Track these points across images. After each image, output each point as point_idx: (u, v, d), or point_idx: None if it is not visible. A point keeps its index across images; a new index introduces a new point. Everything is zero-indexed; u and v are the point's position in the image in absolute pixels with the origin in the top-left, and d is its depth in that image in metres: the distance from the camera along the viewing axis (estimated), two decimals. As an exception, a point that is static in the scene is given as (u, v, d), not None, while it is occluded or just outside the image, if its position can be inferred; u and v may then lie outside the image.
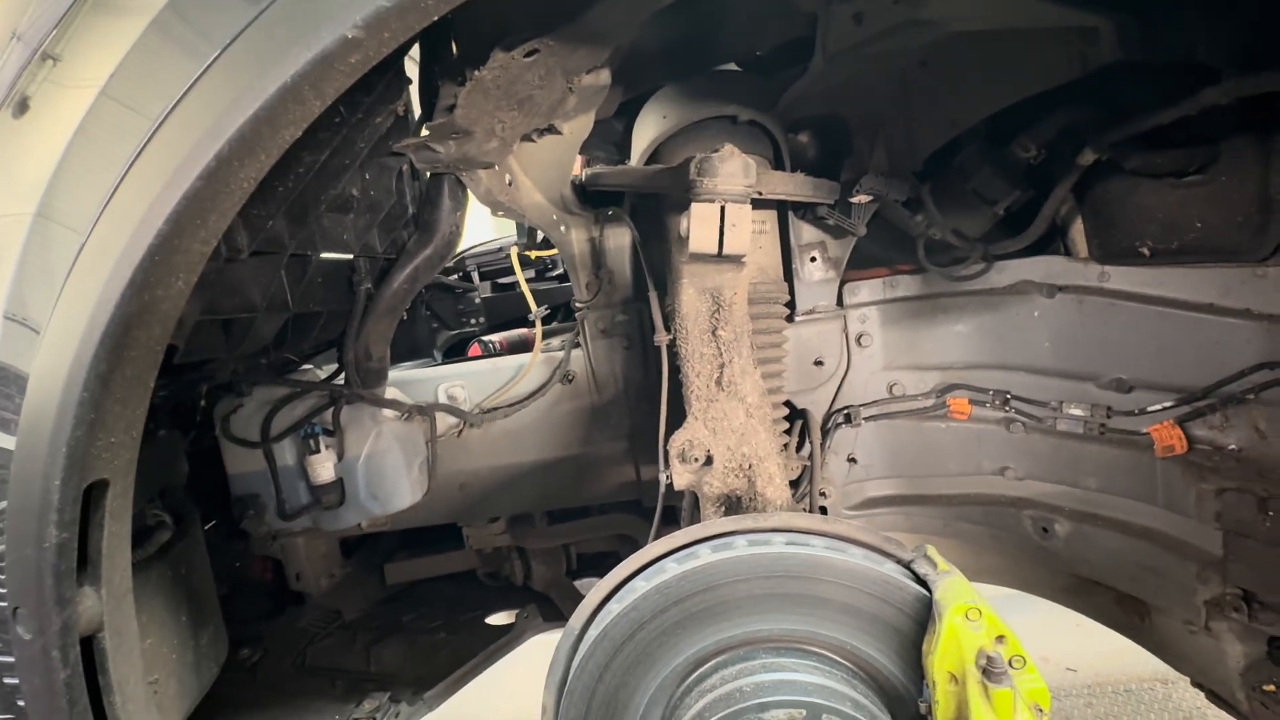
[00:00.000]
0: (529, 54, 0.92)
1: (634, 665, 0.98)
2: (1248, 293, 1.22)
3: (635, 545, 1.90)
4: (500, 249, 2.86)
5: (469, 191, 1.32)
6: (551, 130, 1.26)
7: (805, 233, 1.64)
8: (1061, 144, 1.34)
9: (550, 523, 1.97)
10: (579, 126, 1.30)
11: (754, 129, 1.41)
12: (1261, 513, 1.12)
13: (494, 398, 1.78)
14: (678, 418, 1.29)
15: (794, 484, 1.80)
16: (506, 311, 2.68)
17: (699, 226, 1.00)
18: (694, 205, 1.02)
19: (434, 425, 1.68)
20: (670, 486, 1.25)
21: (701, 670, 0.99)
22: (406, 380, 1.79)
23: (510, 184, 1.35)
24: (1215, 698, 1.30)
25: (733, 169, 1.01)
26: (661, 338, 1.34)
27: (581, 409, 1.80)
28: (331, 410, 1.45)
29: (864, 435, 1.75)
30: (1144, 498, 1.34)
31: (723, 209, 0.99)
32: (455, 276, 3.42)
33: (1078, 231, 1.47)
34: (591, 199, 1.60)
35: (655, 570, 1.03)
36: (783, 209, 1.59)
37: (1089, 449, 1.44)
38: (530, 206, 1.41)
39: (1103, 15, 1.02)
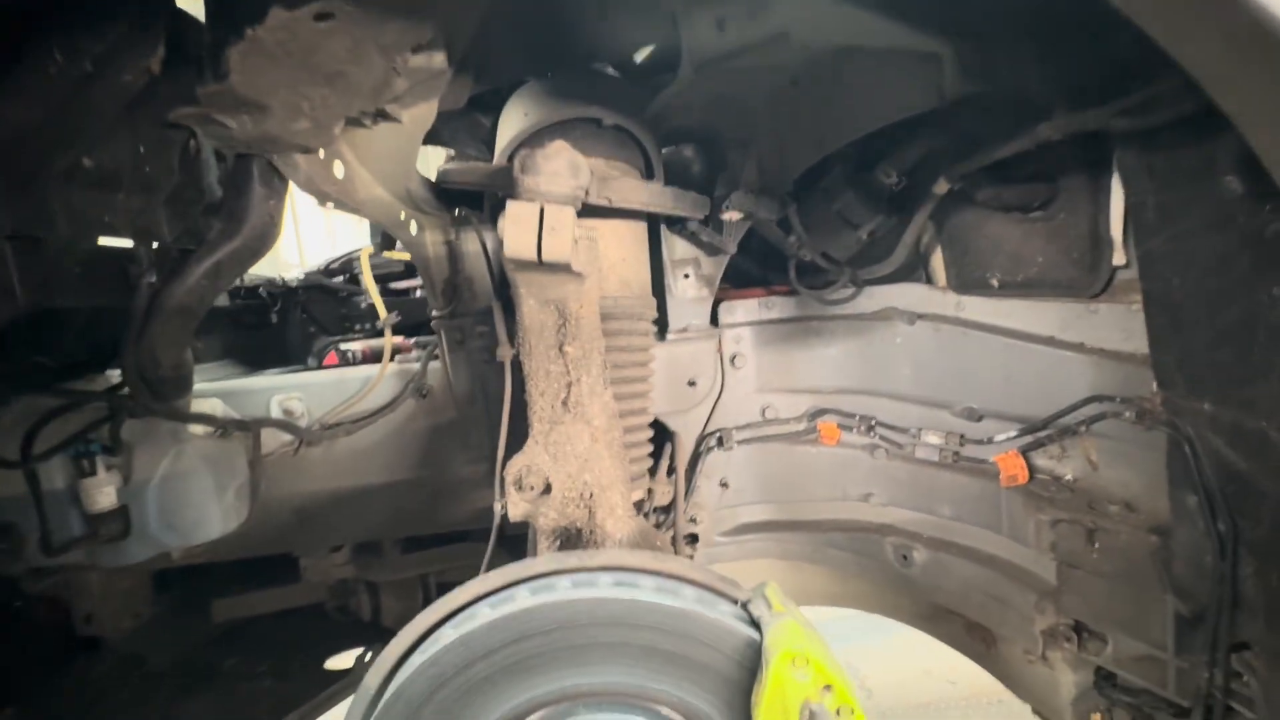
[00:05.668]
0: (320, 17, 0.79)
1: (433, 731, 0.85)
2: (1082, 327, 1.25)
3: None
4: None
5: (289, 180, 1.16)
6: (384, 116, 1.12)
7: (679, 248, 1.58)
8: (922, 173, 1.35)
9: (404, 551, 1.79)
10: (420, 115, 1.17)
11: (621, 135, 1.34)
12: (1089, 544, 1.13)
13: (337, 412, 1.60)
14: (522, 441, 1.18)
15: (665, 510, 1.72)
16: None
17: (513, 227, 0.90)
18: (509, 204, 0.91)
19: (257, 443, 1.47)
20: (506, 516, 1.13)
21: (511, 733, 0.87)
22: (234, 391, 1.57)
23: (344, 174, 1.20)
24: (1051, 726, 1.32)
25: (558, 167, 0.91)
26: (505, 352, 1.22)
27: (438, 427, 1.64)
28: (110, 426, 1.22)
29: (737, 459, 1.70)
30: (991, 526, 1.35)
31: (542, 211, 0.89)
32: (341, 279, 3.20)
33: (938, 260, 1.49)
34: (450, 198, 1.47)
35: (466, 617, 0.90)
36: (654, 223, 1.52)
37: (944, 476, 1.45)
38: (369, 201, 1.26)
39: (945, 42, 1.02)
